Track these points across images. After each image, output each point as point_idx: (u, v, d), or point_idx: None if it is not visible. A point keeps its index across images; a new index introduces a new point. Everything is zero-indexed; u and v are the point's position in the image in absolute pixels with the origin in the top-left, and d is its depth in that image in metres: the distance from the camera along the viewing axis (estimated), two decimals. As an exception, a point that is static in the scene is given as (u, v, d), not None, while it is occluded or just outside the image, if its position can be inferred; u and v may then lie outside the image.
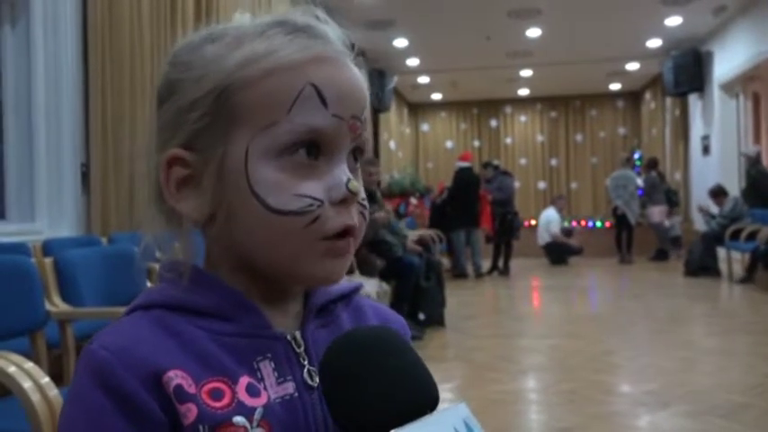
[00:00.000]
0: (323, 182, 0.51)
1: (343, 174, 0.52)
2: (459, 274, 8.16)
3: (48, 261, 2.24)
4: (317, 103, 0.51)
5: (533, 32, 8.77)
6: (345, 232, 0.52)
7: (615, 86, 12.74)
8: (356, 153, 0.55)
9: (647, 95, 12.35)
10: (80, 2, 3.53)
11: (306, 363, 0.53)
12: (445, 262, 8.08)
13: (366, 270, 4.03)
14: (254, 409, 0.49)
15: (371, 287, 3.61)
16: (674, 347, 4.13)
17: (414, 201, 9.30)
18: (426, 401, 0.45)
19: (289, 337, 0.53)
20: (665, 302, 6.13)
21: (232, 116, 0.51)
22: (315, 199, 0.50)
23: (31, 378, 1.27)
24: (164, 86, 0.54)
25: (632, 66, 10.92)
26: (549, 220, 9.96)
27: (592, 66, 10.67)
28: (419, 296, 4.69)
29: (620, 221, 9.61)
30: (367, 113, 0.55)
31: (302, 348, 0.54)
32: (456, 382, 3.63)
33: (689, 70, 9.23)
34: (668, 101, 10.76)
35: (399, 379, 0.45)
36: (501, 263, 8.61)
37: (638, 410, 2.92)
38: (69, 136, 3.49)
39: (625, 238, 9.64)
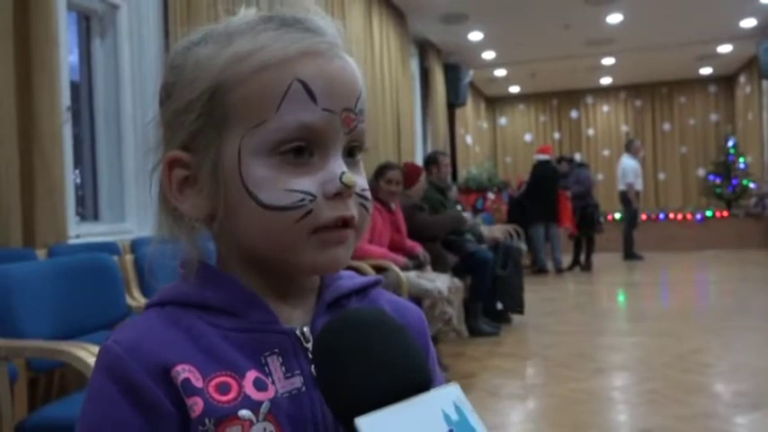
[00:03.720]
0: (317, 176, 0.51)
1: (337, 167, 0.51)
2: (538, 269, 7.98)
3: (128, 258, 2.39)
4: (306, 98, 0.50)
5: (614, 18, 8.43)
6: (342, 224, 0.52)
7: (706, 71, 12.05)
8: (354, 149, 0.54)
9: (742, 79, 11.60)
10: (162, 13, 3.72)
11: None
12: (524, 258, 7.94)
13: (439, 266, 4.01)
14: (261, 402, 0.49)
15: (443, 283, 3.60)
16: (770, 346, 3.88)
17: (491, 196, 9.18)
18: (414, 384, 0.45)
19: (297, 332, 0.54)
20: (762, 298, 5.75)
21: (224, 116, 0.52)
22: (307, 194, 0.50)
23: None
24: (162, 90, 0.56)
25: (724, 48, 10.28)
26: (624, 169, 8.82)
27: (679, 50, 10.13)
28: (495, 286, 4.64)
29: None
30: (363, 104, 0.54)
31: (310, 343, 0.54)
32: (533, 379, 3.56)
33: (788, 50, 8.61)
34: (765, 84, 10.07)
35: (385, 359, 0.45)
36: (582, 258, 8.35)
37: (726, 412, 2.76)
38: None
39: None
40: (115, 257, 2.19)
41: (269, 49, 0.51)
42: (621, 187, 8.94)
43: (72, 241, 2.79)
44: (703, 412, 2.74)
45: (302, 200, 0.50)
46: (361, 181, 0.54)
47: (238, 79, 0.51)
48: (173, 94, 0.54)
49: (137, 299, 2.32)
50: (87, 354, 1.38)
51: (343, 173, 0.51)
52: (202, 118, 0.52)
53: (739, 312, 5.13)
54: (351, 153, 0.54)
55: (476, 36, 8.93)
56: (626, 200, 8.88)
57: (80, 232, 3.08)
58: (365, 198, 0.54)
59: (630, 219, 8.99)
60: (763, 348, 3.86)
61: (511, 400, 3.09)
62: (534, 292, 6.07)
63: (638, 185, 8.92)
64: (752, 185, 10.60)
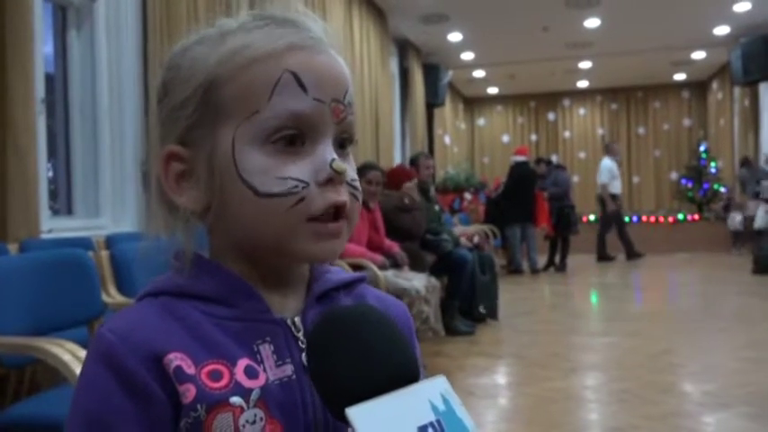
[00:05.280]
0: (308, 164, 0.53)
1: (327, 154, 0.53)
2: (514, 270, 8.06)
3: (104, 254, 2.36)
4: (297, 88, 0.53)
5: (592, 22, 8.55)
6: (336, 213, 0.54)
7: (680, 76, 12.27)
8: (344, 139, 0.56)
9: (715, 85, 11.84)
10: (140, 6, 3.67)
11: (304, 346, 0.55)
12: (500, 258, 8.01)
13: (416, 265, 4.03)
14: (252, 390, 0.51)
15: (420, 282, 3.61)
16: (738, 347, 3.96)
17: (468, 196, 9.23)
18: (402, 376, 0.46)
19: (288, 322, 0.55)
20: (732, 300, 5.88)
21: (218, 110, 0.54)
22: (300, 181, 0.52)
23: (84, 365, 1.33)
24: (160, 87, 0.58)
25: (698, 54, 10.49)
26: (600, 170, 8.92)
27: (655, 55, 10.31)
28: (478, 290, 4.69)
29: None
30: (351, 98, 0.56)
31: (301, 333, 0.55)
32: (508, 378, 3.60)
33: (759, 58, 8.79)
34: (737, 90, 10.29)
35: (375, 351, 0.46)
36: (558, 259, 8.45)
37: (695, 411, 2.82)
38: (131, 136, 3.64)
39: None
40: (90, 253, 2.16)
41: (259, 43, 0.53)
42: (599, 189, 9.08)
43: (44, 236, 2.74)
44: (673, 411, 2.80)
45: (295, 186, 0.52)
46: (350, 170, 0.56)
47: (231, 73, 0.53)
48: (169, 92, 0.56)
49: (113, 296, 2.29)
50: (62, 350, 1.37)
51: (333, 159, 0.53)
52: (197, 112, 0.54)
53: (709, 314, 5.24)
54: (341, 145, 0.56)
55: (455, 37, 8.98)
56: (602, 201, 9.01)
57: (53, 227, 3.02)
58: (355, 188, 0.56)
59: (604, 221, 9.09)
60: (732, 349, 3.94)
61: (486, 399, 3.12)
62: (510, 292, 6.13)
63: (615, 188, 8.97)
64: (722, 190, 10.83)
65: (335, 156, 0.54)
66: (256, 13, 0.56)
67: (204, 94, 0.54)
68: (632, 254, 9.17)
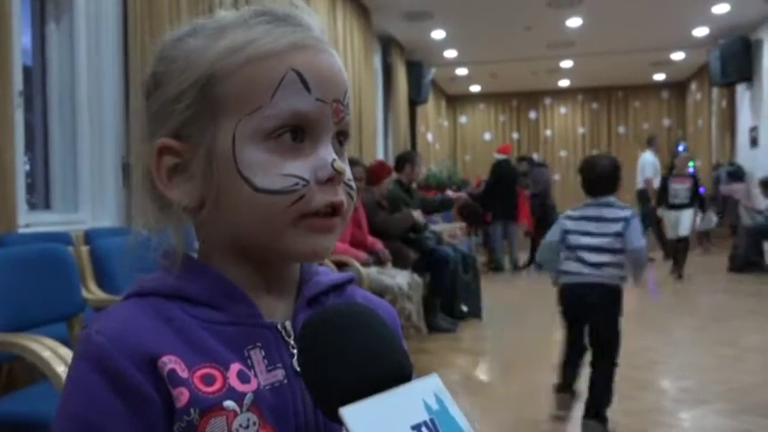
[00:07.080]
0: (309, 162, 0.53)
1: (328, 154, 0.53)
2: (496, 267, 8.10)
3: (84, 250, 2.32)
4: (300, 87, 0.52)
5: (574, 22, 8.61)
6: (332, 211, 0.54)
7: (659, 77, 12.42)
8: (341, 137, 0.56)
9: (693, 86, 12.00)
10: (121, -2, 3.62)
11: (295, 351, 0.54)
12: (482, 256, 8.05)
13: (399, 262, 4.03)
14: (245, 394, 0.50)
15: (403, 279, 3.62)
16: (715, 344, 4.03)
17: (450, 194, 9.26)
18: (395, 375, 0.46)
19: (279, 327, 0.55)
20: (708, 299, 5.97)
21: (217, 104, 0.53)
22: (301, 178, 0.52)
23: (64, 363, 1.32)
24: (150, 79, 0.56)
25: (677, 55, 10.62)
26: (644, 164, 8.50)
27: (635, 56, 10.42)
28: (461, 289, 4.70)
29: None
30: (349, 98, 0.56)
31: (292, 337, 0.55)
32: (490, 375, 3.62)
33: (737, 59, 8.93)
34: (715, 91, 10.44)
35: (367, 351, 0.46)
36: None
37: (673, 407, 2.86)
38: (111, 130, 3.59)
39: None
40: (69, 248, 2.12)
41: (262, 41, 0.53)
42: (640, 185, 8.66)
43: (22, 230, 2.69)
44: (651, 407, 2.84)
45: (296, 184, 0.52)
46: (348, 170, 0.56)
47: (232, 69, 0.52)
48: (162, 85, 0.55)
49: (93, 292, 2.25)
50: (42, 347, 1.34)
51: (334, 159, 0.53)
52: (194, 106, 0.53)
53: (686, 312, 5.32)
54: (339, 143, 0.56)
55: (439, 34, 8.99)
56: (643, 197, 8.61)
57: (30, 221, 2.97)
58: (351, 187, 0.56)
59: (645, 218, 8.51)
60: (708, 347, 4.00)
61: (468, 396, 3.14)
62: (492, 289, 6.17)
63: (658, 182, 8.55)
64: (699, 189, 10.96)
65: (336, 156, 0.54)
66: (256, 9, 0.55)
67: (202, 88, 0.53)
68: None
